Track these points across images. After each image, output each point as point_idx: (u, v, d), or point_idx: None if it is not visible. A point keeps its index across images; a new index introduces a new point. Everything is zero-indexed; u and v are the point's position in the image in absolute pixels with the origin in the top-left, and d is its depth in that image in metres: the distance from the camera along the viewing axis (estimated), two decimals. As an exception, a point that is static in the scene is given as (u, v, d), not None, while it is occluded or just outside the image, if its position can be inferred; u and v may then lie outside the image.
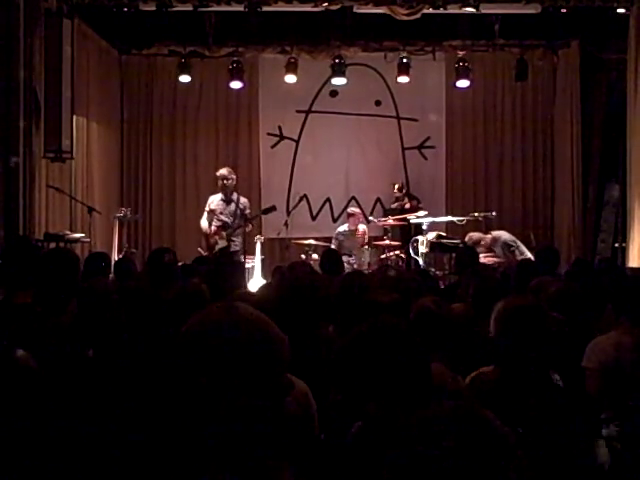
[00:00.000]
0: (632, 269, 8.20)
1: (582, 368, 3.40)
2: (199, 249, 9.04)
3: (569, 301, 3.84)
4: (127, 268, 5.95)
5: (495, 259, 8.83)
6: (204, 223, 9.27)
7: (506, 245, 8.89)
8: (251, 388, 1.59)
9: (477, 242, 8.98)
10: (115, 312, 3.43)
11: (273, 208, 9.06)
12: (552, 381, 2.62)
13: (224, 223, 9.13)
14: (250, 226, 9.11)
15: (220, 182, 9.22)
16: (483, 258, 8.38)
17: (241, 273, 6.21)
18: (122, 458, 2.36)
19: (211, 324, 1.64)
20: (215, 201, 9.27)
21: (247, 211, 9.20)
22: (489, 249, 8.98)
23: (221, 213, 9.17)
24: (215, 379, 1.58)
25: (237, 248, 9.05)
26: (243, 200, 9.28)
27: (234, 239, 9.08)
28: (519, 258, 8.56)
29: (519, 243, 9.09)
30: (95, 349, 3.14)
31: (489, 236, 9.12)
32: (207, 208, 9.33)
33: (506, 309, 2.61)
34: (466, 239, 9.11)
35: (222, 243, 9.01)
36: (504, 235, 9.08)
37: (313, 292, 3.30)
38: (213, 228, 9.16)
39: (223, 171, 9.30)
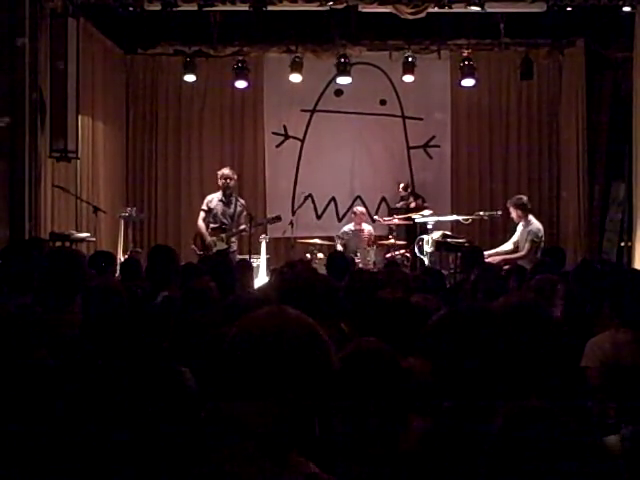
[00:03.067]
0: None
1: (581, 367, 3.43)
2: (193, 247, 8.98)
3: (569, 300, 3.85)
4: (134, 268, 5.95)
5: (501, 257, 8.79)
6: (202, 223, 9.20)
7: (534, 234, 8.73)
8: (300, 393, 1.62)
9: (522, 206, 8.86)
10: (120, 311, 3.43)
11: (278, 218, 9.10)
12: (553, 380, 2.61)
13: (222, 224, 9.06)
14: (253, 230, 9.08)
15: (222, 181, 9.14)
16: (489, 258, 8.36)
17: (250, 273, 6.22)
18: (128, 458, 2.36)
19: (259, 328, 1.66)
20: (214, 201, 9.18)
21: (244, 213, 9.16)
22: (522, 218, 8.83)
23: (221, 214, 9.11)
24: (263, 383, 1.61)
25: (234, 248, 9.05)
26: (242, 202, 9.24)
27: (232, 241, 9.07)
28: (525, 253, 8.57)
29: (538, 245, 8.85)
30: (100, 349, 3.15)
31: (531, 216, 8.90)
32: (205, 207, 9.20)
33: (503, 308, 2.60)
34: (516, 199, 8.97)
35: (220, 245, 8.95)
36: (538, 227, 8.90)
37: (314, 291, 3.30)
38: (209, 230, 9.10)
39: (226, 171, 9.22)
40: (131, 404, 2.34)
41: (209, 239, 9.00)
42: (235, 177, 9.28)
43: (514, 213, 8.86)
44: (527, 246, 8.64)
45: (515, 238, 8.90)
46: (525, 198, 9.04)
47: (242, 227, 9.05)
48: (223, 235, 9.00)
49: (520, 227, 8.86)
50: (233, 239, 9.08)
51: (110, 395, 2.37)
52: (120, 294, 3.61)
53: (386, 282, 4.57)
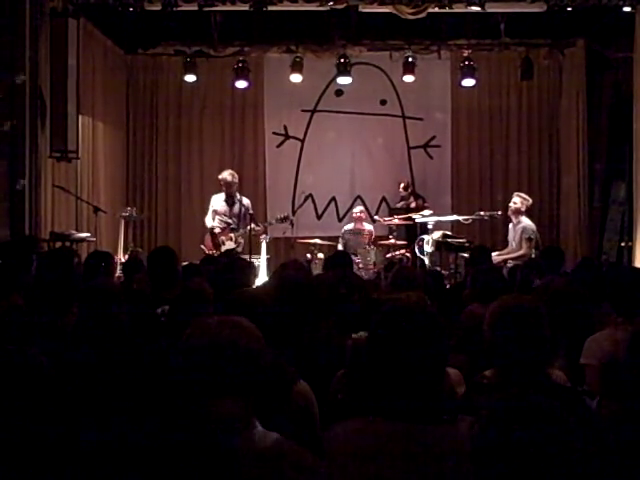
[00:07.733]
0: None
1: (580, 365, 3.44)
2: (202, 246, 9.01)
3: (569, 299, 3.85)
4: (135, 269, 5.94)
5: (504, 257, 8.80)
6: (209, 221, 9.26)
7: (526, 232, 8.82)
8: None
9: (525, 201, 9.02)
10: (118, 313, 3.43)
11: (286, 219, 9.11)
12: (551, 380, 2.61)
13: (228, 225, 9.09)
14: (259, 228, 9.10)
15: (223, 186, 9.21)
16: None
17: (252, 272, 6.20)
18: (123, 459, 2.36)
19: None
20: (218, 202, 9.22)
21: (250, 211, 9.17)
22: (516, 214, 8.97)
23: (225, 214, 9.12)
24: None
25: (240, 249, 9.05)
26: (246, 201, 9.22)
27: (240, 241, 9.07)
28: (525, 251, 8.64)
29: (536, 241, 8.97)
30: (97, 350, 3.14)
31: (523, 217, 9.03)
32: (211, 207, 9.30)
33: (501, 309, 2.59)
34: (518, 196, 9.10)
35: (229, 244, 8.98)
36: (531, 224, 9.02)
37: (309, 291, 3.30)
38: (218, 229, 9.11)
39: (225, 176, 9.24)
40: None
41: (218, 238, 9.00)
42: (235, 180, 9.29)
43: (517, 204, 8.94)
44: (525, 244, 8.71)
45: (509, 237, 9.03)
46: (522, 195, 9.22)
47: (251, 227, 9.01)
48: (232, 235, 9.02)
49: (510, 226, 9.09)
50: (241, 239, 9.08)
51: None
52: (115, 296, 3.59)
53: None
